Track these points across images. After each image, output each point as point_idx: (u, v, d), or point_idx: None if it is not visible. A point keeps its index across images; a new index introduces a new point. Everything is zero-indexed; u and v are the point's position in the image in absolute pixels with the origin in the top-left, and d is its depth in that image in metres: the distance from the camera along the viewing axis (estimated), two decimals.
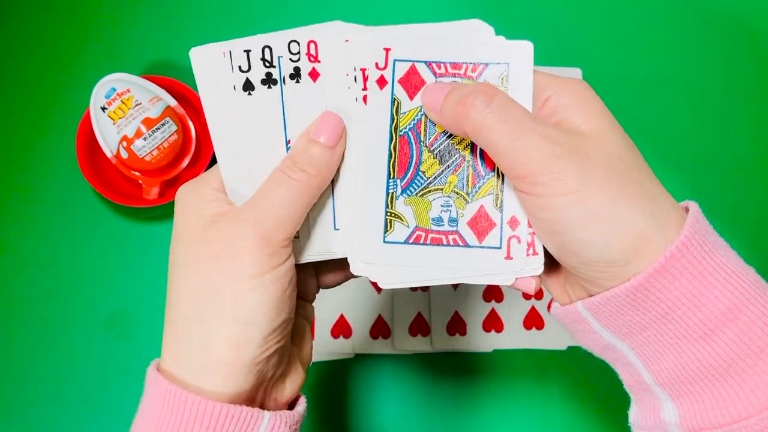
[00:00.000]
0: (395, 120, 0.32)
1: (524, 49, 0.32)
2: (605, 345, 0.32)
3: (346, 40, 0.32)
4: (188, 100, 0.55)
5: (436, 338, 0.54)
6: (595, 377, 0.54)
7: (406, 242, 0.32)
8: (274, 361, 0.31)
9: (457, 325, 0.55)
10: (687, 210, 0.30)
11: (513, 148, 0.28)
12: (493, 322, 0.55)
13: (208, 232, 0.31)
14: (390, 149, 0.32)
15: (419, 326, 0.54)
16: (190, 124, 0.53)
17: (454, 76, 0.32)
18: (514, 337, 0.55)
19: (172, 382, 0.29)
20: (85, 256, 0.55)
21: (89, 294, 0.54)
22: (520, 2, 0.59)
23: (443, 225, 0.32)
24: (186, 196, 0.33)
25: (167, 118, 0.52)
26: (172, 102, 0.53)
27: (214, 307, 0.30)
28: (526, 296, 0.55)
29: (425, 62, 0.32)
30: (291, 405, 0.34)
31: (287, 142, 0.32)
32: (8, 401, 0.53)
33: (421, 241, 0.32)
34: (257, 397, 0.32)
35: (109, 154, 0.52)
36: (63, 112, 0.56)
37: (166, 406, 0.29)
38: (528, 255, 0.32)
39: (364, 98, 0.32)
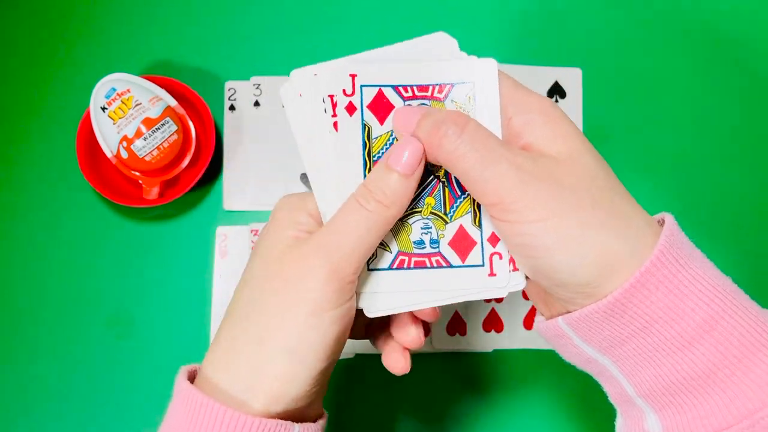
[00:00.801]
0: (368, 145, 0.32)
1: (488, 66, 0.32)
2: (587, 359, 0.33)
3: (315, 74, 0.32)
4: (188, 100, 0.55)
5: (436, 338, 0.54)
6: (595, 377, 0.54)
7: (390, 268, 0.32)
8: (314, 393, 0.32)
9: (457, 325, 0.55)
10: (663, 222, 0.30)
11: (484, 177, 0.29)
12: (493, 322, 0.55)
13: (284, 256, 0.31)
14: (365, 175, 0.32)
15: None
16: (190, 124, 0.53)
17: (422, 99, 0.32)
18: (514, 337, 0.55)
19: (207, 395, 0.29)
20: (85, 256, 0.55)
21: (89, 294, 0.54)
22: (521, 2, 0.59)
23: (425, 247, 0.33)
24: (283, 209, 0.33)
25: (167, 118, 0.52)
26: (172, 102, 0.53)
27: (273, 335, 0.30)
28: (526, 296, 0.55)
29: (392, 86, 0.32)
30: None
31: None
32: (9, 401, 0.53)
33: (405, 266, 0.33)
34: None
35: (109, 154, 0.52)
36: (63, 112, 0.56)
37: (198, 417, 0.29)
38: (510, 271, 0.32)
39: (335, 125, 0.32)
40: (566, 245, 0.28)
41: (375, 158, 0.32)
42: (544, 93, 0.57)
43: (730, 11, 0.60)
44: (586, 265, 0.28)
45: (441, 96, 0.32)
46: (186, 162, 0.53)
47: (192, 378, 0.32)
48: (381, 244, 0.32)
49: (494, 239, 0.33)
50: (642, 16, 0.60)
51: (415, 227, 0.33)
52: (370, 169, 0.32)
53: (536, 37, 0.59)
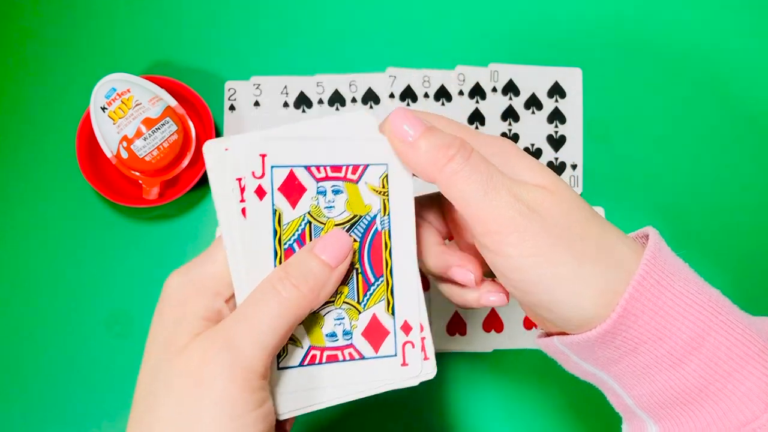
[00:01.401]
0: (278, 233, 0.30)
1: None
2: (587, 372, 0.33)
3: (226, 149, 0.30)
4: (188, 100, 0.55)
5: (436, 338, 0.54)
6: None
7: (300, 365, 0.30)
8: None
9: (457, 325, 0.55)
10: (647, 237, 0.31)
11: (484, 203, 0.29)
12: (493, 322, 0.55)
13: (191, 350, 0.28)
14: (276, 265, 0.30)
15: None
16: (190, 124, 0.53)
17: (335, 180, 0.31)
18: (514, 337, 0.55)
19: None
20: (85, 256, 0.55)
21: (89, 294, 0.54)
22: (521, 2, 0.59)
23: (338, 340, 0.31)
24: (185, 287, 0.30)
25: (167, 118, 0.52)
26: (172, 102, 0.53)
27: None
28: None
29: (304, 166, 0.31)
30: None
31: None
32: (7, 401, 0.53)
33: (317, 361, 0.31)
34: None
35: (109, 154, 0.52)
36: (63, 112, 0.56)
37: None
38: (422, 360, 0.32)
39: (243, 211, 0.30)
40: (563, 281, 0.29)
41: (286, 246, 0.30)
42: (545, 93, 0.57)
43: (730, 11, 0.60)
44: (584, 301, 0.29)
45: (354, 177, 0.31)
46: (186, 162, 0.53)
47: None
48: (291, 338, 0.30)
49: (407, 328, 0.32)
50: (642, 17, 0.60)
51: (328, 318, 0.31)
52: (281, 259, 0.30)
53: (536, 37, 0.59)
